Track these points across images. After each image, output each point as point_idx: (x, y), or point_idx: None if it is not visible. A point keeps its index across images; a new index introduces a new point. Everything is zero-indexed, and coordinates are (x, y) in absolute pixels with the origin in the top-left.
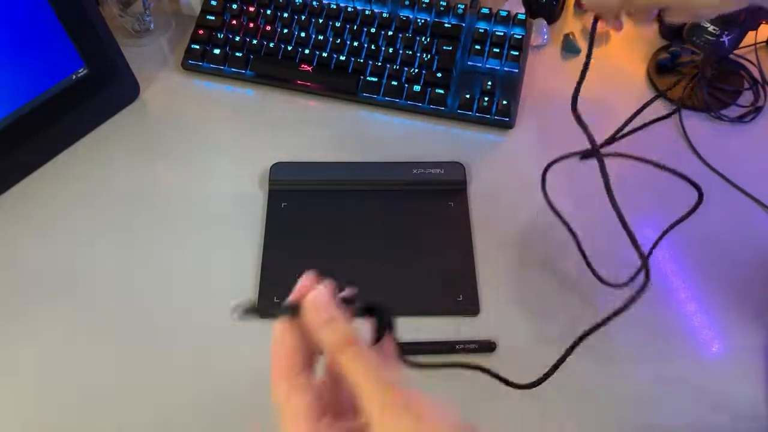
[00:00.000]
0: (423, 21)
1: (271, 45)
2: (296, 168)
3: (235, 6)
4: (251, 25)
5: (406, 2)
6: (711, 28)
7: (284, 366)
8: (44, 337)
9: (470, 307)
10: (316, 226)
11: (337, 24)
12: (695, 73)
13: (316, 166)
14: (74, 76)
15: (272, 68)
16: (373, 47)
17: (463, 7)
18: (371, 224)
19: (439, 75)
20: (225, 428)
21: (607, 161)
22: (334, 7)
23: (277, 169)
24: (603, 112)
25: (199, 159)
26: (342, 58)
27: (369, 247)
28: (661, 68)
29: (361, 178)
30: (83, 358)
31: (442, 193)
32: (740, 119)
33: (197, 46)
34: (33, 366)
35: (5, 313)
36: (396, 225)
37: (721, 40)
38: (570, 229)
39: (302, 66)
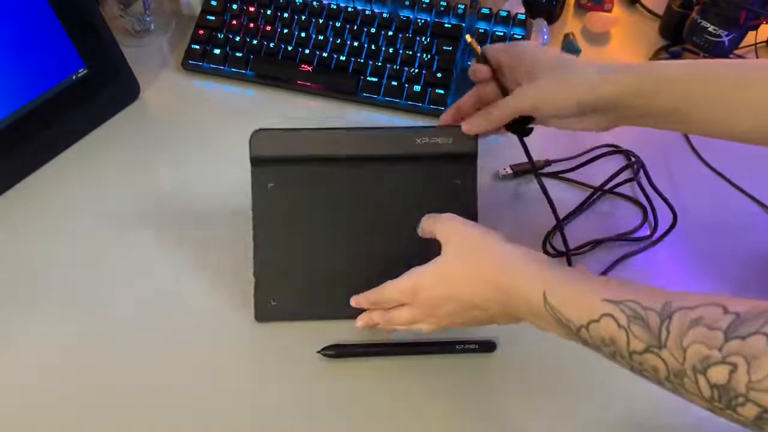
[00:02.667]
0: (423, 21)
1: (271, 45)
2: (281, 137)
3: (235, 6)
4: (251, 25)
5: (406, 2)
6: (711, 28)
7: None
8: (44, 337)
9: None
10: (308, 209)
11: (337, 24)
12: None
13: (304, 135)
14: (74, 76)
15: (272, 68)
16: (373, 47)
17: (463, 7)
18: (369, 207)
19: (439, 75)
20: (227, 428)
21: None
22: (334, 7)
23: (260, 140)
24: None
25: (199, 159)
26: (342, 58)
27: (367, 234)
28: None
29: (358, 152)
30: (82, 357)
31: (449, 168)
32: None
33: (197, 46)
34: (32, 365)
35: (5, 312)
36: (397, 209)
37: (721, 40)
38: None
39: (302, 66)
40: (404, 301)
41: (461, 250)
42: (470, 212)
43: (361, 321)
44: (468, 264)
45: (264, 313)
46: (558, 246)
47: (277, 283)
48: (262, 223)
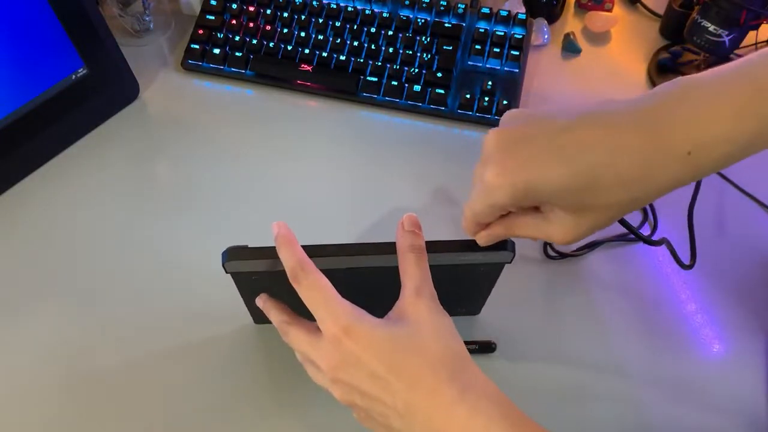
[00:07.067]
0: (423, 21)
1: (271, 45)
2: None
3: (234, 6)
4: (251, 24)
5: (406, 2)
6: (712, 28)
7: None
8: (44, 336)
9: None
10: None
11: (337, 24)
12: None
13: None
14: (74, 76)
15: (272, 68)
16: (373, 47)
17: (463, 6)
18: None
19: (439, 75)
20: (228, 427)
21: None
22: (334, 6)
23: (232, 260)
24: None
25: (199, 159)
26: (342, 57)
27: (366, 272)
28: (661, 68)
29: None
30: (82, 357)
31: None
32: None
33: (197, 46)
34: (33, 364)
35: (4, 312)
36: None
37: (721, 40)
38: None
39: (302, 66)
40: (325, 328)
41: (430, 343)
42: (487, 287)
43: (260, 301)
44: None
45: (261, 320)
46: (559, 248)
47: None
48: (247, 296)
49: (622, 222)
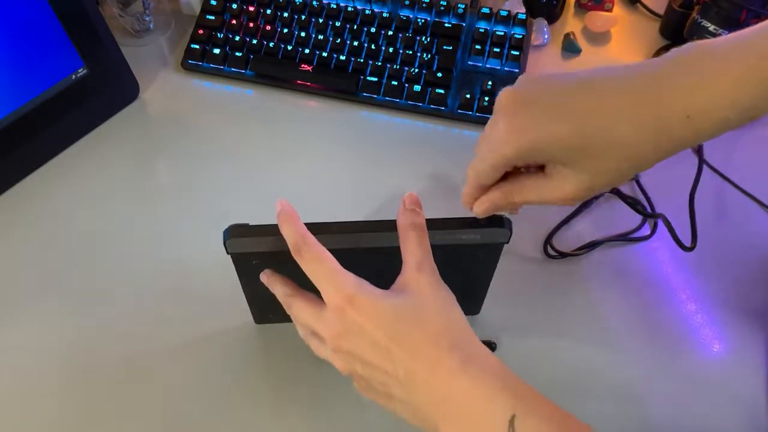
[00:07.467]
0: (423, 21)
1: (271, 45)
2: (261, 239)
3: (235, 6)
4: (251, 24)
5: (407, 2)
6: (712, 27)
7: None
8: (44, 335)
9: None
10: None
11: (337, 24)
12: None
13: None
14: (74, 76)
15: (272, 68)
16: (373, 47)
17: (463, 6)
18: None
19: (439, 75)
20: (227, 426)
21: None
22: (334, 6)
23: (234, 237)
24: None
25: (199, 159)
26: (342, 57)
27: (364, 254)
28: None
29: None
30: (82, 358)
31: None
32: None
33: (197, 46)
34: (33, 364)
35: (4, 312)
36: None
37: None
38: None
39: (302, 66)
40: (329, 298)
41: (432, 313)
42: (486, 276)
43: (265, 276)
44: (427, 330)
45: (262, 319)
46: (559, 247)
47: (272, 308)
48: (247, 280)
49: (618, 193)
